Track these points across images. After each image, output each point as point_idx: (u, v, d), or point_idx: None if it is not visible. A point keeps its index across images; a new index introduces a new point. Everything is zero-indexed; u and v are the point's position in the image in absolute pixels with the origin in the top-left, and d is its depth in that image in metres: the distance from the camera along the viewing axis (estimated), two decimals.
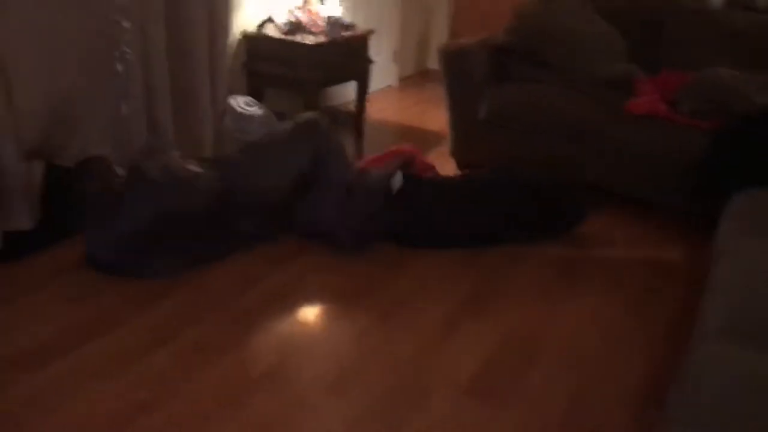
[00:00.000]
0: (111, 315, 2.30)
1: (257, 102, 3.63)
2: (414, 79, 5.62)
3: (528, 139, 3.37)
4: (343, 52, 3.85)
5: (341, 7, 3.78)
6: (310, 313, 2.46)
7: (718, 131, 2.89)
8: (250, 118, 3.49)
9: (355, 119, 4.24)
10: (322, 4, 3.89)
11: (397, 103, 4.99)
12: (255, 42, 3.75)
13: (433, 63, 5.67)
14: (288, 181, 2.80)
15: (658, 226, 3.18)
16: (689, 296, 2.56)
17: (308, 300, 2.50)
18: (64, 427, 1.83)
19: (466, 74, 3.46)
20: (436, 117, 4.56)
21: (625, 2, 3.80)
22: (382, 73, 5.12)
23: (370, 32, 4.05)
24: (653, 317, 2.48)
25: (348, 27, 3.91)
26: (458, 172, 3.60)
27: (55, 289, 2.43)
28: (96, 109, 2.85)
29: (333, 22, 3.71)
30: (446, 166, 3.59)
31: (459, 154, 3.64)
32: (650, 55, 3.55)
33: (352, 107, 4.33)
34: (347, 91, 4.57)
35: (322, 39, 3.68)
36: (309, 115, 3.01)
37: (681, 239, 3.06)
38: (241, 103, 3.56)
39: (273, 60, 3.72)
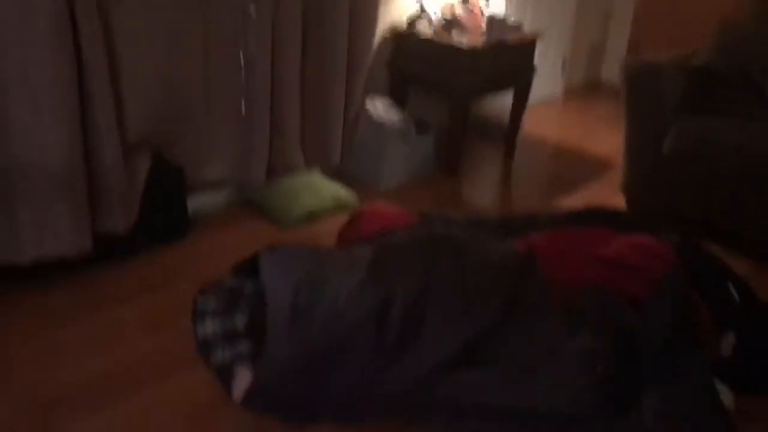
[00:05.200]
0: (190, 352, 1.93)
1: (397, 106, 3.17)
2: (583, 91, 4.92)
3: (727, 189, 2.65)
4: (504, 58, 3.28)
5: (506, 5, 3.19)
6: None
7: None
8: (386, 126, 3.05)
9: (507, 135, 3.66)
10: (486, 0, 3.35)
11: (560, 119, 4.34)
12: (403, 39, 3.29)
13: (608, 74, 4.96)
14: None
15: None
16: None
17: None
18: None
19: (656, 97, 2.79)
20: (605, 139, 3.89)
21: None
22: (546, 82, 4.49)
23: (537, 36, 3.45)
24: None
25: (512, 28, 3.34)
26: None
27: (134, 311, 2.11)
28: (214, 104, 2.52)
29: (495, 23, 3.16)
30: (612, 201, 2.95)
31: (632, 191, 2.97)
32: None
33: (505, 119, 3.75)
34: (502, 101, 4.00)
35: (480, 41, 3.14)
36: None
37: None
38: (378, 106, 3.13)
39: (422, 61, 3.23)
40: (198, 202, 2.72)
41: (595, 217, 2.38)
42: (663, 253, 2.06)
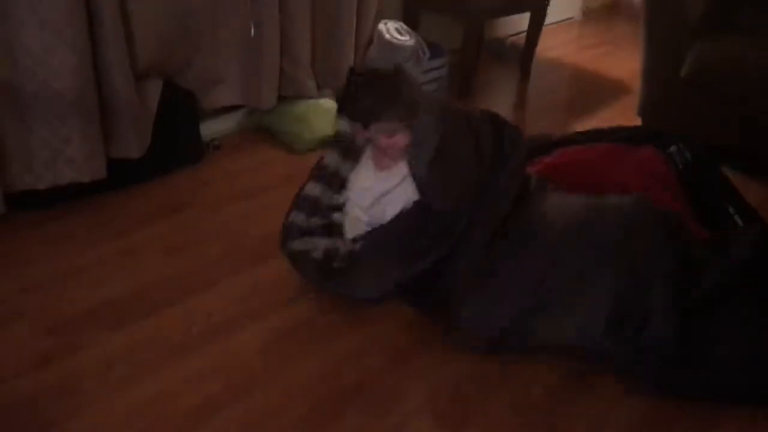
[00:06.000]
0: (206, 275, 1.98)
1: (410, 29, 3.10)
2: (601, 12, 4.77)
3: (749, 112, 2.59)
4: None
5: None
6: None
7: None
8: (399, 48, 2.99)
9: (523, 57, 3.59)
10: None
11: (577, 41, 4.23)
12: None
13: None
14: None
15: None
16: None
17: None
18: (128, 411, 1.54)
19: (676, 17, 2.70)
20: (622, 62, 3.80)
21: None
22: (564, 2, 4.35)
23: None
24: None
25: None
26: None
27: (150, 236, 2.15)
28: (223, 27, 2.48)
29: None
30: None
31: (649, 115, 2.92)
32: None
33: (521, 41, 3.67)
34: (518, 22, 3.90)
35: None
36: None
37: None
38: (390, 28, 3.06)
39: None
40: (210, 128, 2.72)
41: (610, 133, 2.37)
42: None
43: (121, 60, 2.14)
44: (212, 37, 2.47)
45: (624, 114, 3.10)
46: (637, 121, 2.95)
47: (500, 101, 3.42)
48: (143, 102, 2.32)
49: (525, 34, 3.56)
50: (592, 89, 3.51)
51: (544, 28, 3.53)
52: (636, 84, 2.97)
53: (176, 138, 2.49)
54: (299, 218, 1.92)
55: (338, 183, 1.95)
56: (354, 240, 1.88)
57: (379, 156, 1.91)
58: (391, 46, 2.99)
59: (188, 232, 2.17)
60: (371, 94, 1.80)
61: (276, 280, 1.97)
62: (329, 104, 2.89)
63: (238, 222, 2.24)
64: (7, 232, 2.11)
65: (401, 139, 1.82)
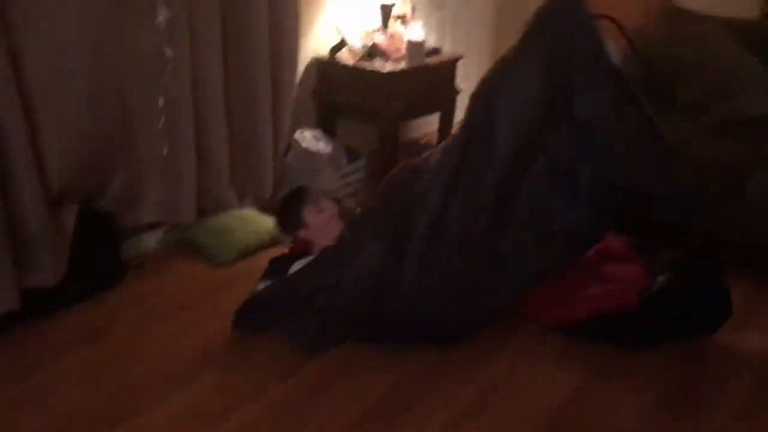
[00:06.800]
0: (130, 402, 1.90)
1: (326, 136, 3.20)
2: None
3: None
4: (427, 81, 3.37)
5: (425, 30, 3.29)
6: None
7: None
8: (317, 155, 3.07)
9: None
10: (404, 26, 3.43)
11: None
12: (327, 68, 3.33)
13: None
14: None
15: None
16: None
17: None
18: None
19: None
20: None
21: None
22: None
23: (458, 58, 3.55)
24: None
25: (433, 52, 3.43)
26: None
27: (73, 364, 2.05)
28: (137, 150, 2.49)
29: (415, 48, 3.23)
30: None
31: None
32: None
33: (434, 140, 3.83)
34: (429, 123, 4.08)
35: (402, 66, 3.21)
36: None
37: None
38: (308, 137, 3.15)
39: (347, 88, 3.28)
40: (132, 246, 2.67)
41: None
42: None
43: (31, 187, 2.12)
44: (127, 158, 2.47)
45: None
46: None
47: None
48: (58, 227, 2.28)
49: (437, 134, 3.72)
50: None
51: (453, 125, 3.70)
52: None
53: (95, 261, 2.43)
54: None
55: None
56: None
57: (318, 239, 2.38)
58: (309, 154, 3.06)
59: (109, 359, 2.09)
60: (294, 204, 2.47)
61: (203, 401, 1.91)
62: (251, 214, 2.91)
63: (162, 344, 2.17)
64: None
65: (330, 209, 2.45)
